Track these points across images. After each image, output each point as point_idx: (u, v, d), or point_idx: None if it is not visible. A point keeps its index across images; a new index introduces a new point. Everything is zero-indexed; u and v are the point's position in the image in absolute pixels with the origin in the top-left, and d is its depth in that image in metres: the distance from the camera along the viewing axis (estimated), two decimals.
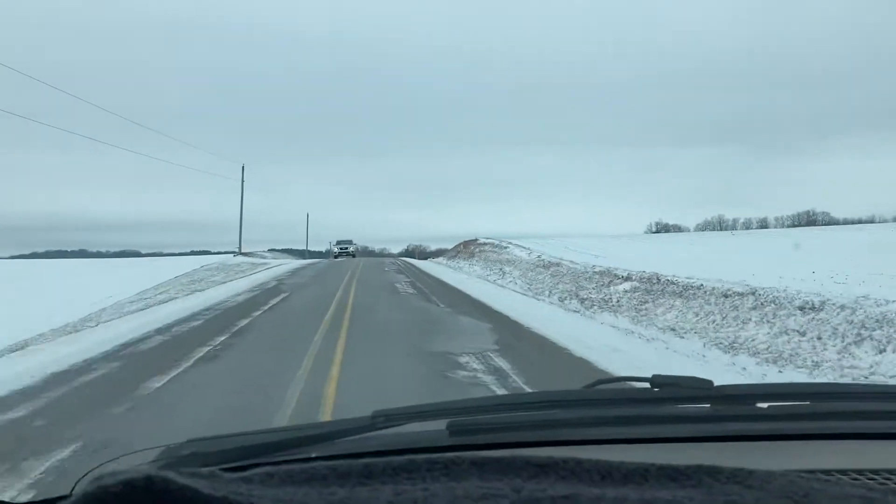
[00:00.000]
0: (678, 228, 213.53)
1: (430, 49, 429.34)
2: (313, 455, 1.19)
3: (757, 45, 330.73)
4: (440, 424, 1.28)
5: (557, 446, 1.26)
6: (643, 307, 13.32)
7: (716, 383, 1.37)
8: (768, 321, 10.05)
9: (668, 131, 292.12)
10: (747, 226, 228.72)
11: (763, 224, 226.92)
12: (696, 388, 1.37)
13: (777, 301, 10.71)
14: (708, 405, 1.37)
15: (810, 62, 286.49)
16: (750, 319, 10.43)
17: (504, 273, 24.13)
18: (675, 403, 1.41)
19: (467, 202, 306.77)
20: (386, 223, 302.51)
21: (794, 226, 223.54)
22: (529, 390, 6.34)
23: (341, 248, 52.18)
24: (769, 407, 1.38)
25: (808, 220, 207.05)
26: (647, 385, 1.41)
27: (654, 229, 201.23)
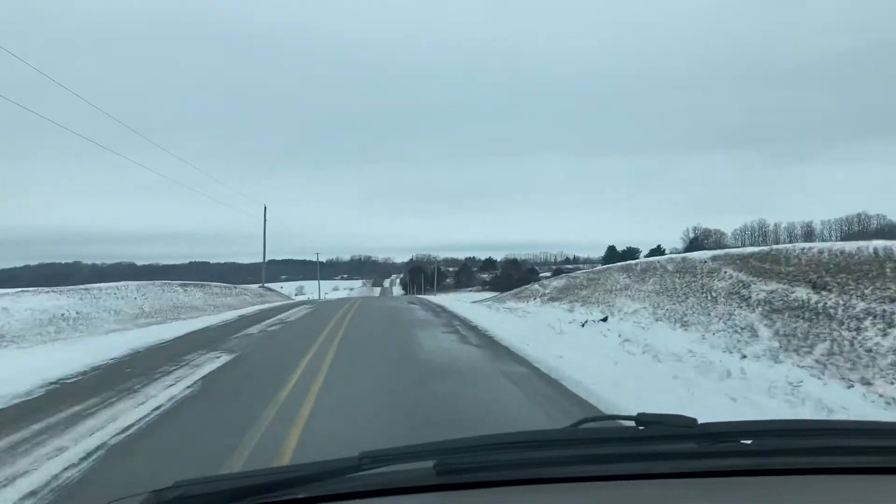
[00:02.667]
0: (720, 234, 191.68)
1: (439, 54, 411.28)
2: (300, 496, 1.23)
3: (788, 45, 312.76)
4: (427, 464, 1.30)
5: (544, 484, 1.31)
6: None
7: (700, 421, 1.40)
8: None
9: (695, 135, 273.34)
10: (790, 231, 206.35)
11: (808, 229, 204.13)
12: (681, 426, 1.40)
13: None
14: (693, 442, 1.39)
15: (844, 65, 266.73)
16: None
17: None
18: (660, 441, 1.42)
19: (473, 211, 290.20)
20: (389, 232, 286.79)
21: (847, 230, 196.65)
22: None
23: None
24: (752, 443, 1.41)
25: (861, 224, 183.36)
26: (632, 423, 1.45)
27: (692, 234, 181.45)
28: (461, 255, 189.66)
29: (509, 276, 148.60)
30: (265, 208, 43.48)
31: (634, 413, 1.45)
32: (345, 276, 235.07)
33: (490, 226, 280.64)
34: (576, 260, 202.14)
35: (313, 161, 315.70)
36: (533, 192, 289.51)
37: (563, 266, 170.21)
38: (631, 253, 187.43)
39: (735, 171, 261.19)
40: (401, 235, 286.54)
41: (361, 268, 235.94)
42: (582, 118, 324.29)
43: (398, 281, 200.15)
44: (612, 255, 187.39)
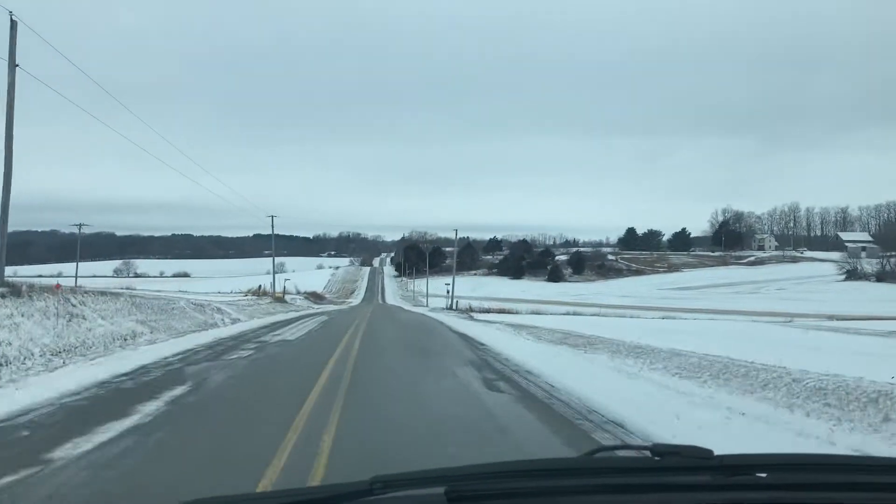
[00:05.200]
0: (753, 217, 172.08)
1: (439, 25, 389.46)
2: None
3: (821, 26, 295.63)
4: (438, 490, 1.28)
5: None
6: None
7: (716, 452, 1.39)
8: None
9: (714, 116, 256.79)
10: (823, 216, 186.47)
11: (844, 215, 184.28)
12: (697, 458, 1.39)
13: None
14: (708, 474, 1.37)
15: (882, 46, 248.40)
16: None
17: None
18: (676, 472, 1.40)
19: (467, 191, 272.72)
20: (379, 209, 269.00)
21: (887, 217, 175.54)
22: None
23: None
24: (769, 476, 1.40)
25: None
26: (647, 453, 1.43)
27: (721, 217, 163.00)
28: (454, 236, 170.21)
29: (520, 258, 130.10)
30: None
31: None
32: (332, 252, 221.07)
33: (485, 207, 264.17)
34: (576, 243, 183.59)
35: (302, 134, 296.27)
36: (530, 172, 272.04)
37: (580, 249, 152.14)
38: (653, 236, 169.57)
39: (761, 154, 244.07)
40: (391, 213, 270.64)
41: (349, 245, 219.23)
42: (590, 96, 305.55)
43: (389, 260, 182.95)
44: (632, 238, 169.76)
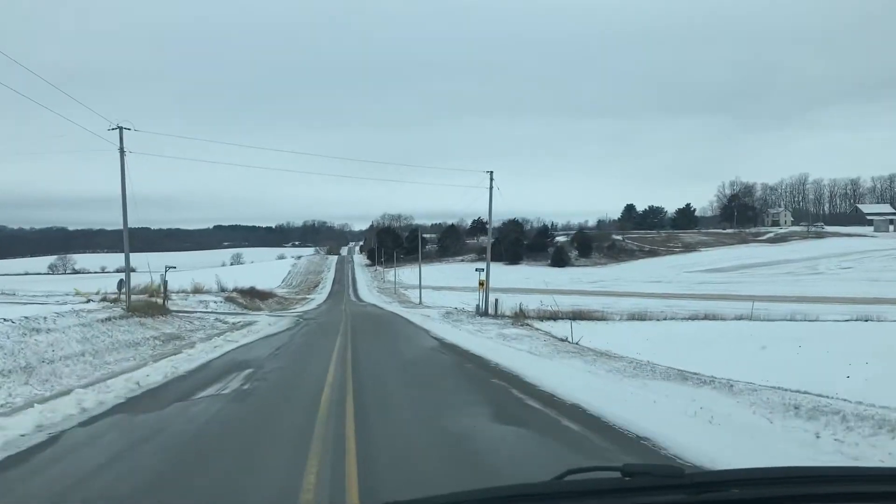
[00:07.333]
0: (767, 188, 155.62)
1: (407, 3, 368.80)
2: None
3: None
4: None
5: None
6: None
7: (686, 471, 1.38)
8: None
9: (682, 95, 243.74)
10: (833, 188, 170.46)
11: (855, 186, 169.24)
12: (668, 476, 1.39)
13: None
14: (681, 493, 1.36)
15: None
16: None
17: None
18: (647, 492, 1.39)
19: (439, 178, 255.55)
20: (345, 198, 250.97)
21: None
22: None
23: None
24: (742, 492, 1.39)
25: None
26: (617, 474, 1.42)
27: (728, 191, 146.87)
28: (428, 223, 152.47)
29: (514, 240, 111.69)
30: None
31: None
32: (296, 242, 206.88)
33: (457, 193, 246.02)
34: (555, 227, 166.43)
35: (261, 119, 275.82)
36: (501, 156, 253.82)
37: (583, 229, 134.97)
38: (654, 213, 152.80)
39: (749, 132, 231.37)
40: (359, 202, 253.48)
41: (315, 234, 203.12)
42: (571, 76, 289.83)
43: (358, 249, 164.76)
44: (630, 215, 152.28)
